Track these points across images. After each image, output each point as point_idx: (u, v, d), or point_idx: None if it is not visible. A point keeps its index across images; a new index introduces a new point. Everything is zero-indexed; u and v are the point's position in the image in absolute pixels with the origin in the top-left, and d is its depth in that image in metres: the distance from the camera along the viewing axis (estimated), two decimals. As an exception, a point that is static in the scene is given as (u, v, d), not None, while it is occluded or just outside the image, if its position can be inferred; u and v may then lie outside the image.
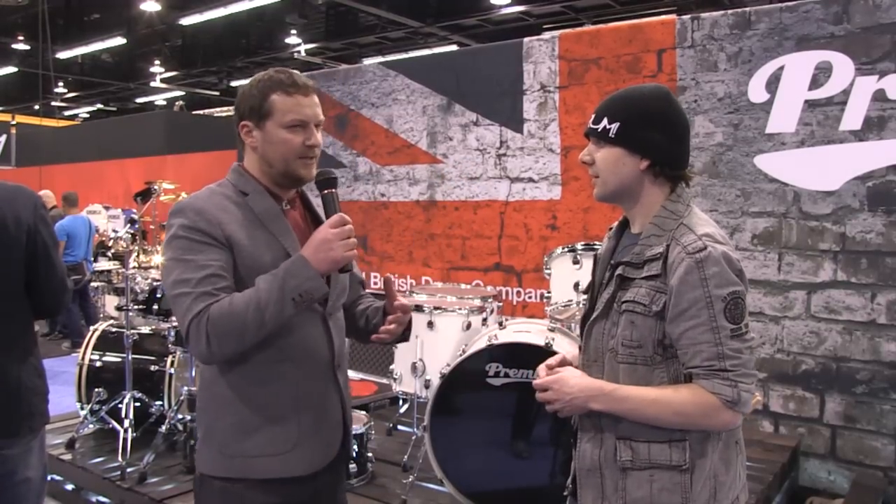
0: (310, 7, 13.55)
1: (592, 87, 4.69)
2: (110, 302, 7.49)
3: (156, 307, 3.86)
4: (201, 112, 21.29)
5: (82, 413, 4.02)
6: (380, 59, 11.87)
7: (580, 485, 1.59)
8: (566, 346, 2.69)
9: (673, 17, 4.45)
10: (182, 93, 20.62)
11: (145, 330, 4.17)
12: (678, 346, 1.45)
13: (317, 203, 1.83)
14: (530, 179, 5.01)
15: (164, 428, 3.66)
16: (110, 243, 8.30)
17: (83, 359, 4.07)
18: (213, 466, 1.63)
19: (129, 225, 5.06)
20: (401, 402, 4.37)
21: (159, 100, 22.07)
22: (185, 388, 3.75)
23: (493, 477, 2.84)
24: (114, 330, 4.21)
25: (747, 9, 4.14)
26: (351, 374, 5.46)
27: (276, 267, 1.56)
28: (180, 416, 3.70)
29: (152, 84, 18.63)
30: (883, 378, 3.75)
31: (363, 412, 3.74)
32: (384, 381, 4.67)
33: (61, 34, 14.38)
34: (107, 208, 9.90)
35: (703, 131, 4.22)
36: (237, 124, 1.69)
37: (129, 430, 3.67)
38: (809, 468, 3.98)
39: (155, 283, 3.93)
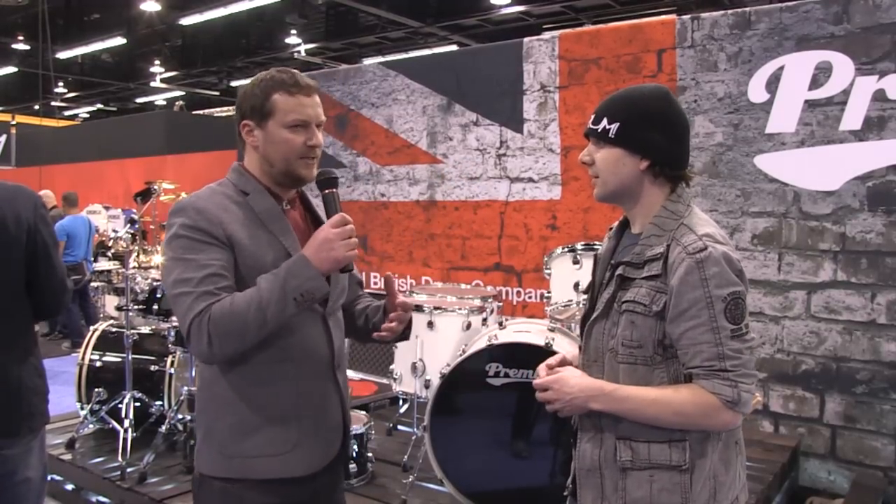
0: (310, 7, 13.55)
1: (592, 87, 4.69)
2: (110, 302, 7.49)
3: (156, 307, 3.86)
4: (201, 112, 21.30)
5: (82, 413, 4.02)
6: (380, 59, 11.88)
7: (580, 485, 1.59)
8: (566, 346, 2.69)
9: (673, 17, 4.45)
10: (182, 93, 20.62)
11: (145, 330, 4.17)
12: (678, 347, 1.45)
13: (317, 203, 1.83)
14: (530, 179, 5.01)
15: (164, 428, 3.66)
16: (110, 243, 8.30)
17: (83, 359, 4.07)
18: (212, 467, 1.63)
19: (129, 225, 5.06)
20: (401, 402, 4.37)
21: (159, 100, 22.07)
22: (185, 388, 3.75)
23: (493, 477, 2.84)
24: (114, 330, 4.21)
25: (747, 9, 4.14)
26: (351, 374, 5.49)
27: (277, 267, 1.55)
28: (180, 416, 3.70)
29: (152, 84, 18.64)
30: (883, 378, 3.75)
31: (363, 412, 3.74)
32: (384, 381, 4.67)
33: (61, 34, 14.38)
34: (107, 208, 9.90)
35: (703, 131, 4.22)
36: (238, 123, 1.69)
37: (129, 430, 3.67)
38: (809, 468, 3.98)
39: (155, 283, 3.93)
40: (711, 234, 1.47)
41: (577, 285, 3.20)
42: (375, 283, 5.78)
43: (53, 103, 18.88)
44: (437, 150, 5.46)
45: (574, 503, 1.64)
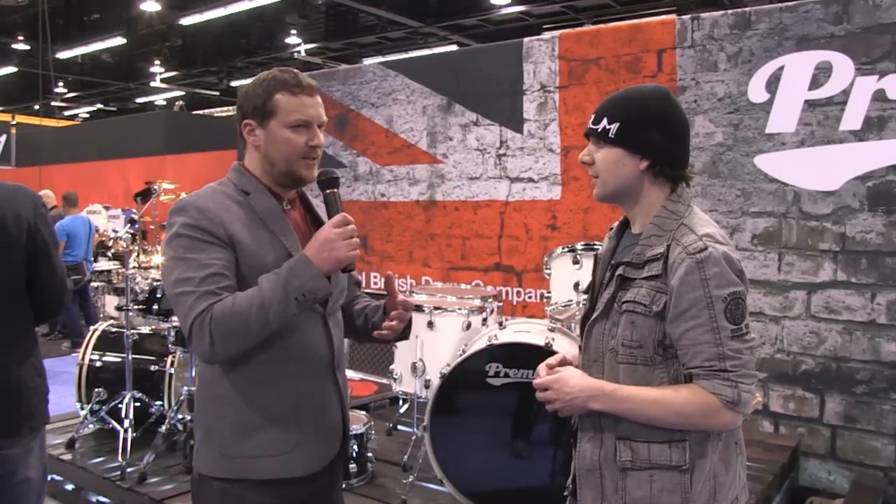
0: (310, 7, 13.55)
1: (592, 87, 4.69)
2: (110, 302, 7.49)
3: (156, 307, 3.86)
4: (201, 112, 21.30)
5: (82, 413, 4.02)
6: (380, 59, 11.88)
7: (580, 485, 1.59)
8: (566, 346, 2.69)
9: (673, 17, 4.45)
10: (182, 93, 20.63)
11: (145, 330, 4.17)
12: (678, 347, 1.45)
13: (316, 203, 1.83)
14: (530, 179, 5.01)
15: (164, 428, 3.66)
16: (110, 243, 8.30)
17: (83, 359, 4.07)
18: (212, 467, 1.63)
19: (129, 225, 5.06)
20: (401, 402, 4.37)
21: (159, 100, 22.07)
22: (185, 388, 3.75)
23: (493, 477, 2.84)
24: (114, 330, 4.21)
25: (747, 9, 4.14)
26: (351, 374, 5.49)
27: (278, 266, 1.55)
28: (180, 416, 3.70)
29: (152, 84, 18.64)
30: (883, 378, 3.75)
31: (363, 412, 3.74)
32: (384, 381, 4.67)
33: (61, 34, 14.39)
34: (107, 208, 9.90)
35: (703, 131, 4.22)
36: (240, 123, 1.69)
37: (129, 430, 3.67)
38: (809, 468, 3.98)
39: (155, 283, 3.93)
40: (712, 235, 1.47)
41: (577, 285, 3.20)
42: (375, 283, 5.78)
43: (53, 103, 18.89)
44: (437, 150, 5.46)
45: (574, 503, 1.64)
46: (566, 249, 3.33)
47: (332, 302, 1.72)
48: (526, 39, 5.06)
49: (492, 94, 5.15)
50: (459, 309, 3.35)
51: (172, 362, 3.99)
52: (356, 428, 3.33)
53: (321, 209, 1.83)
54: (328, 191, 1.67)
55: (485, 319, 3.42)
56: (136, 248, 6.36)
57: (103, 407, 3.90)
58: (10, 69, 17.92)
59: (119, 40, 14.74)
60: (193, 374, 3.86)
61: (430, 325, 3.28)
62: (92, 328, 4.32)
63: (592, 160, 1.57)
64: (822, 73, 3.87)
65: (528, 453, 2.82)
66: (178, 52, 17.17)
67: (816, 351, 3.93)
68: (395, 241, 5.72)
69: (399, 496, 3.22)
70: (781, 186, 4.01)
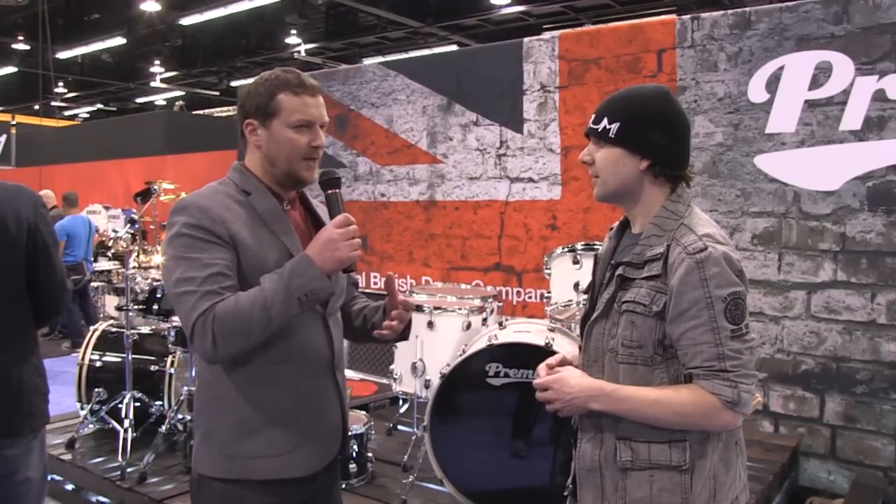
0: (310, 7, 13.55)
1: (592, 87, 4.69)
2: (110, 302, 7.50)
3: (156, 307, 3.87)
4: (201, 112, 21.30)
5: (82, 413, 4.02)
6: (380, 59, 11.88)
7: (580, 485, 1.59)
8: (566, 346, 2.69)
9: (673, 17, 4.45)
10: (182, 93, 20.63)
11: (145, 330, 4.17)
12: (678, 347, 1.45)
13: (316, 204, 1.83)
14: (530, 179, 5.01)
15: (164, 428, 3.66)
16: (110, 243, 8.31)
17: (83, 359, 4.07)
18: (212, 468, 1.63)
19: (129, 225, 5.06)
20: (401, 402, 4.37)
21: (159, 100, 22.07)
22: (185, 388, 3.75)
23: (493, 477, 2.84)
24: (114, 330, 4.21)
25: (747, 9, 4.14)
26: (351, 374, 5.50)
27: (279, 266, 1.55)
28: (180, 416, 3.70)
29: (152, 84, 18.64)
30: (883, 378, 3.75)
31: (363, 412, 3.74)
32: (384, 381, 4.67)
33: (61, 34, 14.39)
34: (107, 208, 9.91)
35: (703, 131, 4.22)
36: (241, 122, 1.69)
37: (129, 430, 3.67)
38: (809, 468, 3.98)
39: (155, 283, 3.93)
40: (711, 235, 1.47)
41: (577, 285, 3.20)
42: (375, 283, 5.78)
43: (53, 103, 18.89)
44: (437, 150, 5.46)
45: (574, 503, 1.64)
46: (566, 249, 3.33)
47: (332, 302, 1.72)
48: (526, 39, 5.06)
49: (492, 94, 5.15)
50: (459, 309, 3.35)
51: (172, 362, 3.99)
52: (356, 428, 3.33)
53: (321, 209, 1.84)
54: (330, 191, 1.67)
55: (485, 319, 3.42)
56: (136, 248, 6.36)
57: (103, 407, 3.90)
58: (10, 69, 17.92)
59: (119, 40, 14.74)
60: (193, 374, 3.85)
61: (430, 325, 3.28)
62: (92, 328, 4.32)
63: (593, 160, 1.57)
64: (822, 73, 3.87)
65: (528, 453, 2.82)
66: (178, 52, 17.17)
67: (816, 351, 3.93)
68: (395, 241, 5.72)
69: (399, 496, 3.22)
70: (781, 186, 4.01)
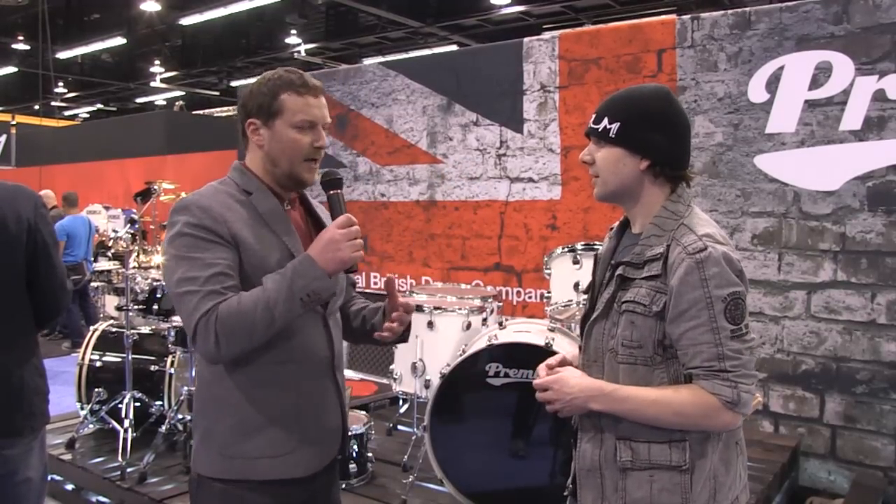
0: (310, 7, 13.55)
1: (592, 87, 4.69)
2: (110, 302, 7.50)
3: (156, 307, 3.87)
4: (201, 112, 21.30)
5: (82, 413, 4.02)
6: (380, 59, 11.88)
7: (580, 485, 1.59)
8: (566, 346, 2.69)
9: (673, 17, 4.45)
10: (182, 93, 20.63)
11: (145, 330, 4.17)
12: (678, 347, 1.45)
13: (316, 204, 1.83)
14: (530, 179, 5.01)
15: (164, 428, 3.66)
16: (110, 243, 8.31)
17: (83, 359, 4.07)
18: (212, 468, 1.63)
19: (129, 225, 5.06)
20: (401, 402, 4.37)
21: (159, 100, 22.07)
22: (185, 388, 3.75)
23: (493, 477, 2.84)
24: (114, 330, 4.21)
25: (747, 9, 4.14)
26: (351, 374, 5.50)
27: (281, 267, 1.55)
28: (180, 416, 3.70)
29: (152, 84, 18.64)
30: (883, 378, 3.75)
31: (363, 412, 3.74)
32: (384, 381, 4.67)
33: (61, 34, 14.39)
34: (107, 208, 9.91)
35: (703, 131, 4.22)
36: (243, 122, 1.68)
37: (129, 430, 3.67)
38: (809, 468, 3.98)
39: (155, 283, 3.93)
40: (711, 235, 1.47)
41: (577, 285, 3.20)
42: (375, 284, 5.78)
43: (53, 103, 18.89)
44: (437, 150, 5.46)
45: (574, 503, 1.64)
46: (566, 249, 3.33)
47: (332, 303, 1.72)
48: (526, 39, 5.06)
49: (492, 94, 5.15)
50: (459, 309, 3.35)
51: (172, 362, 3.99)
52: (356, 428, 3.33)
53: (321, 209, 1.84)
54: (332, 192, 1.67)
55: (485, 319, 3.42)
56: (136, 248, 6.36)
57: (103, 407, 3.91)
58: (10, 69, 17.91)
59: (119, 40, 14.74)
60: (193, 374, 3.85)
61: (430, 325, 3.28)
62: (92, 328, 4.32)
63: (593, 160, 1.57)
64: (822, 73, 3.87)
65: (528, 453, 2.82)
66: (178, 52, 17.17)
67: (816, 351, 3.93)
68: (395, 241, 5.72)
69: (399, 496, 3.22)
70: (781, 186, 4.01)
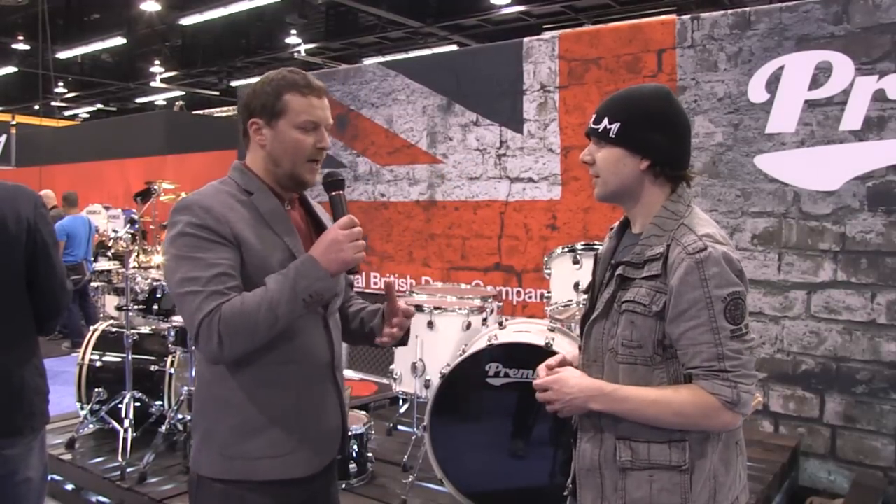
0: (310, 7, 13.55)
1: (592, 87, 4.69)
2: (110, 302, 7.50)
3: (156, 307, 3.87)
4: (201, 112, 21.30)
5: (82, 413, 4.02)
6: (380, 59, 11.88)
7: (580, 485, 1.59)
8: (566, 346, 2.69)
9: (673, 17, 4.45)
10: (182, 93, 20.62)
11: (145, 330, 4.17)
12: (678, 347, 1.45)
13: (315, 205, 1.83)
14: (530, 179, 5.01)
15: (164, 428, 3.66)
16: (110, 243, 8.31)
17: (83, 359, 4.07)
18: (212, 469, 1.62)
19: (129, 225, 5.06)
20: (401, 402, 4.37)
21: (159, 100, 22.07)
22: (185, 388, 3.75)
23: (493, 477, 2.84)
24: (114, 330, 4.21)
25: (747, 9, 4.14)
26: (351, 374, 5.50)
27: (283, 267, 1.55)
28: (180, 416, 3.70)
29: (152, 84, 18.63)
30: (883, 378, 3.75)
31: (363, 412, 3.74)
32: (384, 381, 4.67)
33: (61, 34, 14.38)
34: (107, 208, 9.91)
35: (703, 131, 4.22)
36: (245, 121, 1.68)
37: (129, 430, 3.67)
38: (809, 468, 3.98)
39: (155, 283, 3.93)
40: (711, 235, 1.47)
41: (577, 285, 3.20)
42: (375, 284, 5.78)
43: (53, 103, 18.88)
44: (437, 150, 5.46)
45: (574, 503, 1.64)
46: (566, 249, 3.33)
47: (332, 303, 1.73)
48: (526, 39, 5.06)
49: (492, 94, 5.15)
50: (459, 309, 3.35)
51: (172, 362, 3.99)
52: (356, 428, 3.33)
53: (319, 210, 1.84)
54: (334, 193, 1.67)
55: (485, 319, 3.42)
56: (136, 248, 6.36)
57: (103, 407, 3.91)
58: (10, 69, 17.91)
59: (119, 40, 14.73)
60: (193, 374, 3.86)
61: (430, 325, 3.28)
62: (92, 328, 4.32)
63: (593, 160, 1.57)
64: (822, 73, 3.87)
65: (527, 453, 2.82)
66: (178, 52, 17.17)
67: (816, 351, 3.93)
68: (395, 241, 5.72)
69: (399, 496, 3.22)
70: (781, 186, 4.01)
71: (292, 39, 15.05)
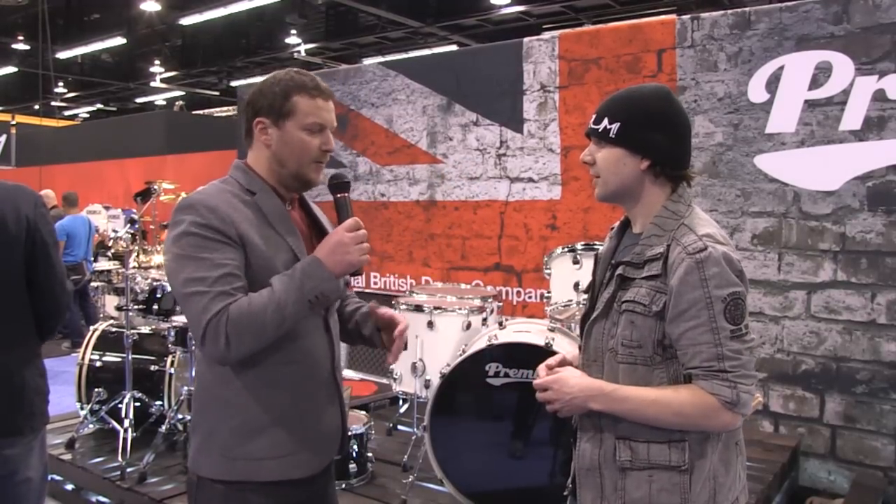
0: (310, 7, 13.54)
1: (592, 87, 4.69)
2: (110, 302, 7.50)
3: (156, 307, 3.87)
4: (201, 112, 21.30)
5: (82, 413, 4.02)
6: (380, 59, 11.87)
7: (580, 484, 1.59)
8: (566, 346, 2.69)
9: (673, 17, 4.45)
10: (182, 93, 20.62)
11: (145, 330, 4.17)
12: (678, 347, 1.45)
13: (313, 206, 1.83)
14: (530, 179, 5.01)
15: (164, 428, 3.66)
16: (110, 243, 8.31)
17: (83, 359, 4.07)
18: (213, 470, 1.62)
19: (129, 225, 5.06)
20: (401, 402, 4.37)
21: (159, 100, 22.06)
22: (185, 388, 3.75)
23: (492, 477, 2.84)
24: (114, 330, 4.21)
25: (747, 9, 4.14)
26: (351, 374, 5.49)
27: (287, 268, 1.55)
28: (180, 416, 3.70)
29: (152, 84, 18.63)
30: (883, 378, 3.75)
31: (363, 412, 3.74)
32: (384, 381, 4.67)
33: (61, 34, 14.37)
34: (107, 208, 9.92)
35: (703, 131, 4.22)
36: (251, 120, 1.67)
37: (129, 430, 3.67)
38: (809, 468, 3.98)
39: (155, 283, 3.93)
40: (712, 235, 1.47)
41: (577, 285, 3.20)
42: (375, 284, 5.79)
43: (53, 103, 18.87)
44: (437, 150, 5.46)
45: (574, 503, 1.64)
46: (566, 249, 3.34)
47: (333, 304, 1.73)
48: (526, 39, 5.06)
49: (492, 94, 5.15)
50: (459, 309, 3.35)
51: (172, 362, 3.99)
52: (356, 428, 3.33)
53: (318, 210, 1.84)
54: (339, 195, 1.68)
55: (485, 319, 3.42)
56: (136, 248, 6.35)
57: (103, 407, 3.91)
58: (10, 69, 17.90)
59: (119, 40, 14.73)
60: (193, 374, 3.85)
61: (430, 325, 3.28)
62: (92, 328, 4.32)
63: (593, 160, 1.57)
64: (822, 73, 3.87)
65: (527, 453, 2.82)
66: (178, 52, 17.16)
67: (816, 351, 3.93)
68: (395, 241, 5.72)
69: (399, 496, 3.22)
70: (781, 186, 4.01)
71: (292, 39, 15.05)
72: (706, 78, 4.23)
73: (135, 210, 6.92)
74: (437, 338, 3.27)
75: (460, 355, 2.89)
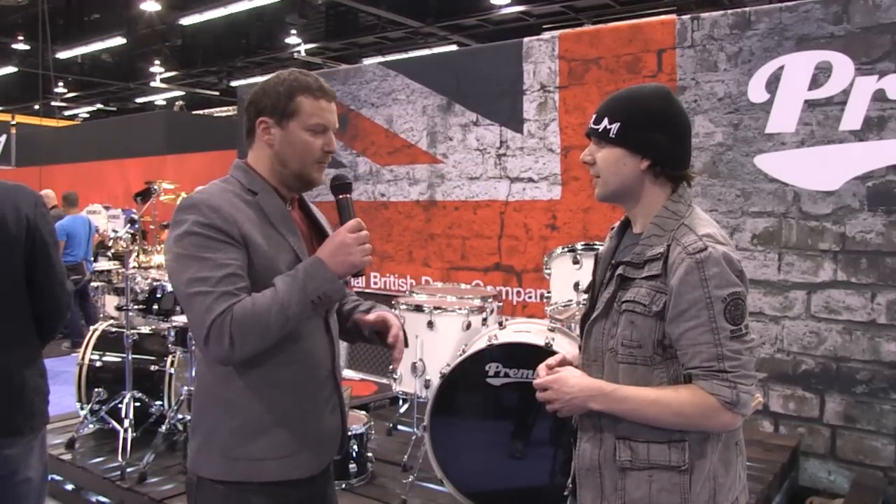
0: (310, 7, 13.55)
1: (592, 87, 4.69)
2: (110, 302, 7.49)
3: (156, 307, 3.87)
4: (201, 112, 21.30)
5: (82, 413, 4.02)
6: (380, 59, 11.87)
7: (580, 484, 1.59)
8: (566, 346, 2.69)
9: (673, 17, 4.45)
10: (182, 93, 20.62)
11: (145, 330, 4.17)
12: (678, 347, 1.45)
13: (312, 206, 1.83)
14: (530, 179, 5.01)
15: (164, 428, 3.66)
16: (110, 243, 8.31)
17: (83, 359, 4.07)
18: (214, 470, 1.61)
19: (129, 225, 5.06)
20: (401, 402, 4.37)
21: (159, 100, 22.06)
22: (185, 388, 3.75)
23: (493, 477, 2.84)
24: (114, 330, 4.21)
25: (747, 9, 4.14)
26: (351, 374, 5.49)
27: (289, 268, 1.55)
28: (180, 416, 3.70)
29: (152, 84, 18.63)
30: (883, 378, 3.75)
31: (363, 412, 3.74)
32: (384, 381, 4.67)
33: (61, 34, 14.38)
34: (107, 208, 9.92)
35: (703, 131, 4.22)
36: (253, 119, 1.67)
37: (129, 430, 3.67)
38: (809, 468, 3.98)
39: (155, 283, 3.93)
40: (712, 235, 1.47)
41: (577, 285, 3.20)
42: (375, 283, 5.78)
43: (53, 103, 18.87)
44: (437, 150, 5.46)
45: (574, 503, 1.64)
46: (566, 249, 3.34)
47: (334, 305, 1.73)
48: (526, 39, 5.06)
49: (492, 94, 5.15)
50: (459, 309, 3.35)
51: (172, 362, 3.99)
52: (356, 428, 3.33)
53: (317, 211, 1.84)
54: (341, 196, 1.68)
55: (485, 319, 3.42)
56: (136, 248, 6.35)
57: (103, 407, 3.91)
58: (10, 69, 17.91)
59: (119, 40, 14.73)
60: (193, 374, 3.85)
61: (430, 325, 3.28)
62: (92, 328, 4.32)
63: (594, 160, 1.57)
64: (822, 73, 3.87)
65: (527, 453, 2.82)
66: (178, 52, 17.16)
67: (816, 351, 3.93)
68: (395, 241, 5.72)
69: (399, 496, 3.22)
70: (781, 186, 4.01)
71: (292, 39, 15.05)
72: (706, 78, 4.23)
73: (135, 210, 6.92)
74: (437, 338, 3.27)
75: (460, 355, 2.89)
